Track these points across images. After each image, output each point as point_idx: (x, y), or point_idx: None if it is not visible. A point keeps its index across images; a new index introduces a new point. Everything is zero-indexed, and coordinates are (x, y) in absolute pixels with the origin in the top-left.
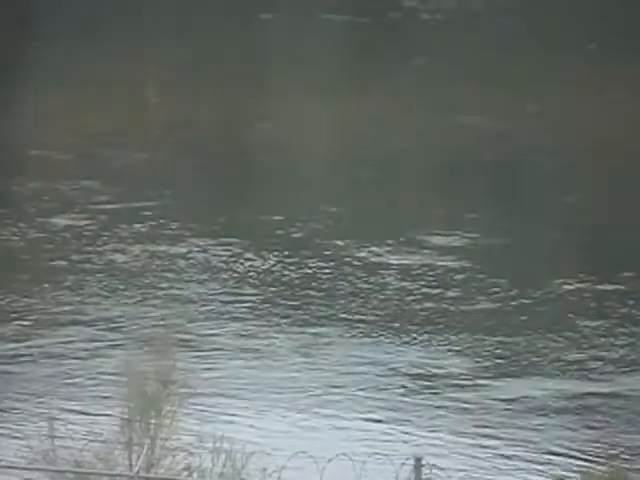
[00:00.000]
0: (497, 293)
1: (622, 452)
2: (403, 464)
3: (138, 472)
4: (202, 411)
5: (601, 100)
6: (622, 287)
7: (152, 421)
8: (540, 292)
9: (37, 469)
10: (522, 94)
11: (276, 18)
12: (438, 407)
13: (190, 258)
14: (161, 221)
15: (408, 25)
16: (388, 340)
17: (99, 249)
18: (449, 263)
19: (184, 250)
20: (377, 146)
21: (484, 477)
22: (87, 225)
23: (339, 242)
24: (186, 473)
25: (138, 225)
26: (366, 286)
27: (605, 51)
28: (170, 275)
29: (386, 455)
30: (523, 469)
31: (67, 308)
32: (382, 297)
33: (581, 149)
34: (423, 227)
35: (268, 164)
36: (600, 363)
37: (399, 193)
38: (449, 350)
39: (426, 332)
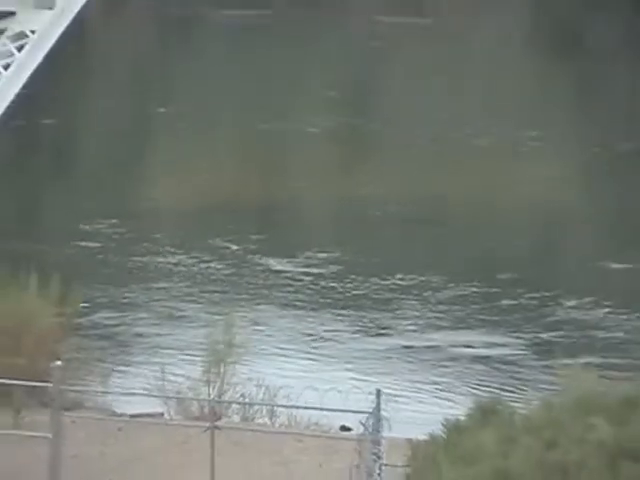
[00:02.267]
0: (359, 283)
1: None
2: (370, 393)
3: (218, 394)
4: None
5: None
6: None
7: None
8: (386, 284)
9: (152, 395)
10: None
11: None
12: (338, 356)
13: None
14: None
15: None
16: (302, 316)
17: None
18: (329, 269)
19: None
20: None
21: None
22: None
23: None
24: (243, 396)
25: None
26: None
27: None
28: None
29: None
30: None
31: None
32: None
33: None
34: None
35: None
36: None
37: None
38: (337, 319)
39: (321, 308)
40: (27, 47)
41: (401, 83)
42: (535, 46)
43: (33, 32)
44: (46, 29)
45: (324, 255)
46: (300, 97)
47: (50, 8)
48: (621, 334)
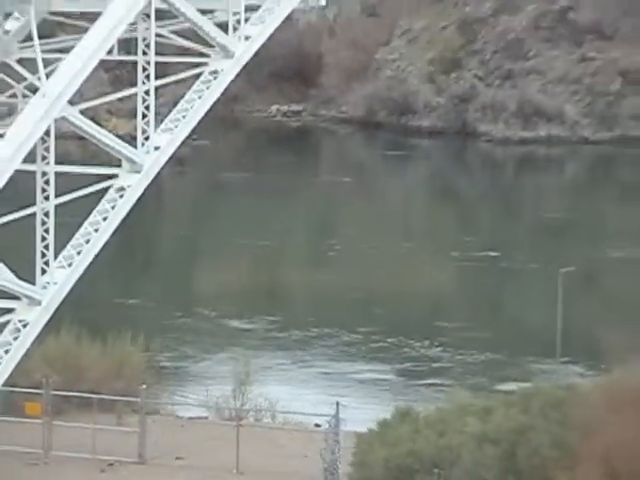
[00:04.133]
0: (296, 334)
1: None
2: (331, 404)
3: (240, 405)
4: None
5: None
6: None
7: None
8: (311, 335)
9: (201, 405)
10: None
11: None
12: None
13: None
14: None
15: None
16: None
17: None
18: (274, 326)
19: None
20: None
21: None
22: None
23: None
24: (256, 406)
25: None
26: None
27: None
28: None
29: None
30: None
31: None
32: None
33: None
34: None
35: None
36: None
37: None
38: (283, 357)
39: (274, 350)
40: (125, 195)
41: (335, 218)
42: (430, 197)
43: (129, 186)
44: (137, 185)
45: (274, 318)
46: (275, 224)
47: (138, 172)
48: (450, 364)
